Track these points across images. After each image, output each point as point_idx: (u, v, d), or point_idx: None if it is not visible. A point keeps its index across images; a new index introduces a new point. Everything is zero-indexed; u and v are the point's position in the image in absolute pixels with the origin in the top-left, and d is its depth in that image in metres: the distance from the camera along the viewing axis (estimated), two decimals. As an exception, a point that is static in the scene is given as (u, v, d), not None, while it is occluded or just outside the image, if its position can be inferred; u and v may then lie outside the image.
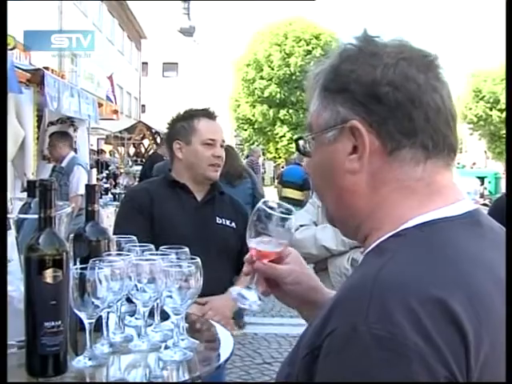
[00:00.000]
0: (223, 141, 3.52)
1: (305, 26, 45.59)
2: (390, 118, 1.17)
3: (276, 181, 18.59)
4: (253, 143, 44.99)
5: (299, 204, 13.97)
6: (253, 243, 1.56)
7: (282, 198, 14.38)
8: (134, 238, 2.37)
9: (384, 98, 1.17)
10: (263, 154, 33.11)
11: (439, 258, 1.06)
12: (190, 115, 3.50)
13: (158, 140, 23.87)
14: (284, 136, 46.38)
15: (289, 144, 45.48)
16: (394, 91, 1.16)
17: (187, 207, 3.41)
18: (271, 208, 1.54)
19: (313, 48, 44.45)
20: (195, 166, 3.42)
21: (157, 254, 2.13)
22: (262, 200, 1.57)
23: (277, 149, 46.64)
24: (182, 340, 2.03)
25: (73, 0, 26.54)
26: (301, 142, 1.35)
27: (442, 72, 1.24)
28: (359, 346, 0.94)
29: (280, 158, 45.87)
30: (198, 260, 2.01)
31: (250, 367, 6.59)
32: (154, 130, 25.22)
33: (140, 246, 2.26)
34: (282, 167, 37.77)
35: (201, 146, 3.40)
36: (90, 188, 2.20)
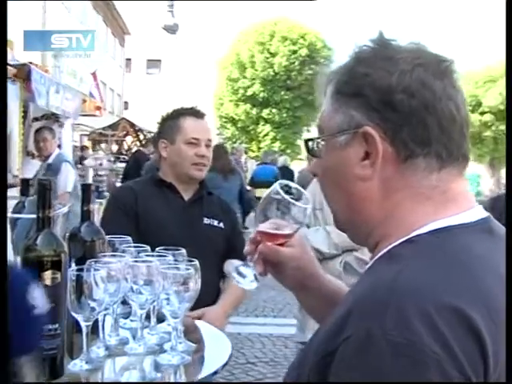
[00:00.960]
0: (209, 140, 3.47)
1: (290, 25, 45.51)
2: (405, 126, 1.15)
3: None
4: (235, 142, 44.86)
5: None
6: (262, 226, 1.52)
7: (256, 199, 14.51)
8: (129, 238, 2.33)
9: (399, 106, 1.15)
10: (245, 152, 33.06)
11: (455, 265, 1.05)
12: (178, 114, 3.47)
13: (141, 137, 23.81)
14: (267, 135, 46.30)
15: (272, 143, 45.44)
16: (409, 98, 1.15)
17: (174, 207, 3.36)
18: (287, 191, 1.50)
19: (299, 48, 44.39)
20: (178, 165, 3.38)
21: (153, 256, 2.10)
22: (278, 182, 1.53)
23: (259, 148, 46.51)
24: (180, 343, 2.00)
25: (58, -1, 26.33)
26: (310, 143, 1.32)
27: (458, 78, 1.22)
28: (375, 353, 0.94)
29: (262, 157, 45.81)
30: (197, 262, 1.98)
31: (233, 367, 6.55)
32: (137, 127, 25.15)
33: (135, 246, 2.23)
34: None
35: (184, 145, 3.36)
36: (85, 187, 2.16)
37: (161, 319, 2.12)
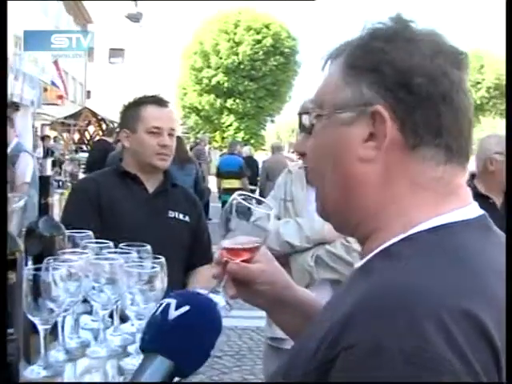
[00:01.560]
0: (172, 129, 3.36)
1: (255, 15, 45.50)
2: (418, 111, 1.09)
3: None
4: (199, 132, 44.72)
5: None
6: (225, 242, 1.45)
7: (222, 190, 14.64)
8: (90, 233, 2.21)
9: (416, 89, 1.08)
10: (209, 142, 32.96)
11: (459, 265, 1.00)
12: (139, 102, 3.36)
13: (104, 127, 23.59)
14: (231, 125, 46.32)
15: (236, 133, 45.43)
16: (428, 84, 1.08)
17: (137, 199, 3.26)
18: (246, 201, 1.44)
19: (263, 37, 44.39)
20: (140, 154, 3.27)
21: (116, 252, 1.99)
22: (237, 192, 1.46)
23: (223, 138, 46.46)
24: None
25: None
26: (304, 118, 1.23)
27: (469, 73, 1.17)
28: (386, 361, 0.88)
29: (226, 147, 45.68)
30: (163, 259, 1.87)
31: (198, 361, 6.46)
32: (99, 117, 24.93)
33: (97, 242, 2.11)
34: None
35: (146, 134, 3.25)
36: (44, 179, 2.02)
37: (124, 318, 2.00)
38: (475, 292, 0.96)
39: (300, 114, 1.22)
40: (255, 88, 45.29)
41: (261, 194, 16.42)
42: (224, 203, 14.84)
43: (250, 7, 46.63)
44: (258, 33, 44.65)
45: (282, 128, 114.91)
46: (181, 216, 3.35)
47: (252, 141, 43.50)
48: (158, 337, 1.11)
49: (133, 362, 1.81)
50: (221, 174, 15.43)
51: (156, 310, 1.14)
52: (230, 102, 45.82)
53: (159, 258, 1.87)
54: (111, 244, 2.09)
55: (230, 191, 14.39)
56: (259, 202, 1.46)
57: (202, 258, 3.37)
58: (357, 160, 1.12)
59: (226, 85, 45.22)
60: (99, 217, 3.10)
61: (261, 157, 25.28)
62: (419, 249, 1.04)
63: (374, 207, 1.14)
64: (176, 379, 1.11)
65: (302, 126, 1.20)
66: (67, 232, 2.08)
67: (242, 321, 7.78)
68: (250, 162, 16.69)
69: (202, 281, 3.20)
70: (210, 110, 46.67)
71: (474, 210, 1.13)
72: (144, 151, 3.25)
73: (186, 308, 1.11)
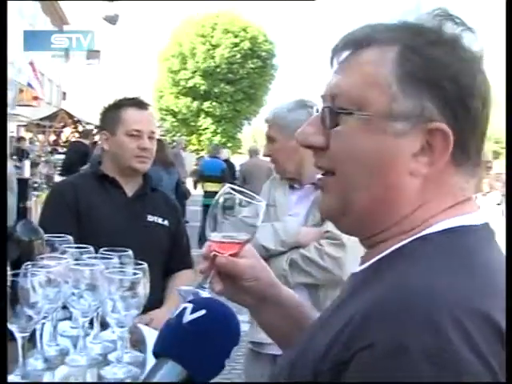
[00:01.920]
0: (152, 132, 3.31)
1: (232, 18, 45.45)
2: (471, 133, 1.09)
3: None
4: (175, 134, 44.53)
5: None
6: (214, 235, 1.41)
7: (204, 193, 14.70)
8: (70, 237, 2.15)
9: (472, 110, 1.07)
10: (185, 146, 32.82)
11: (472, 266, 1.01)
12: (119, 104, 3.31)
13: (80, 128, 23.42)
14: (207, 128, 46.22)
15: (212, 136, 45.36)
16: (482, 107, 1.09)
17: (116, 203, 3.21)
18: (236, 194, 1.40)
19: (240, 40, 44.38)
20: (120, 157, 3.22)
21: (96, 258, 1.93)
22: (228, 185, 1.42)
23: (200, 141, 46.37)
24: (126, 353, 1.83)
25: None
26: (330, 115, 1.14)
27: None
28: (407, 362, 0.87)
29: (203, 150, 45.54)
30: (145, 265, 1.81)
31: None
32: (75, 119, 24.75)
33: (77, 247, 2.05)
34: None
35: (126, 136, 3.20)
36: (22, 182, 1.97)
37: (104, 325, 1.95)
38: (488, 292, 0.96)
39: (324, 108, 1.13)
40: (232, 91, 45.29)
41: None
42: (206, 206, 14.82)
43: (228, 10, 46.58)
44: (235, 36, 44.62)
45: (258, 131, 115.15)
46: (160, 220, 3.30)
47: (229, 144, 43.40)
48: (171, 341, 1.08)
49: (114, 370, 1.76)
50: (203, 177, 15.41)
51: (172, 314, 1.11)
52: (206, 105, 45.73)
53: (141, 264, 1.82)
54: (91, 249, 2.04)
55: (212, 194, 14.64)
56: (250, 197, 1.41)
57: (181, 263, 3.34)
58: (407, 173, 1.09)
59: (202, 88, 45.12)
60: (77, 222, 3.04)
61: (238, 160, 25.25)
62: (432, 250, 1.04)
63: (405, 215, 1.11)
64: None
65: (323, 121, 1.11)
66: (46, 236, 2.02)
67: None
68: (228, 165, 16.65)
69: (181, 285, 3.15)
70: (186, 112, 46.53)
71: (481, 217, 1.13)
72: (124, 154, 3.20)
73: (201, 312, 1.09)
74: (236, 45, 44.30)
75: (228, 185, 1.42)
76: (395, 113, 1.07)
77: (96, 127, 4.16)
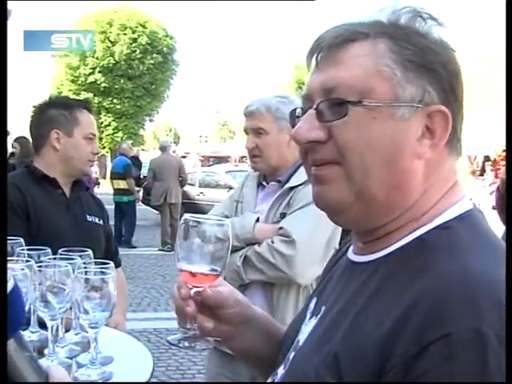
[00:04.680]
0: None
1: (130, 13, 44.83)
2: (459, 115, 1.16)
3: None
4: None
5: (129, 193, 14.42)
6: (189, 266, 1.35)
7: (114, 190, 14.68)
8: (21, 240, 2.09)
9: (458, 93, 1.16)
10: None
11: (497, 248, 1.07)
12: (71, 105, 3.24)
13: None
14: (109, 125, 45.49)
15: (114, 133, 44.73)
16: (462, 90, 1.17)
17: (59, 204, 3.15)
18: (196, 221, 1.36)
19: (139, 36, 43.83)
20: (74, 160, 3.16)
21: (55, 259, 1.89)
22: (188, 214, 1.37)
23: (101, 138, 45.61)
24: (99, 353, 1.80)
25: None
26: (335, 106, 1.14)
27: None
28: (489, 350, 0.89)
29: (104, 147, 44.87)
30: (112, 264, 1.78)
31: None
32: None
33: (32, 249, 1.99)
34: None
35: (83, 139, 3.17)
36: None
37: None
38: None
39: (339, 102, 1.12)
40: (132, 87, 44.69)
41: (148, 194, 16.27)
42: (116, 204, 14.66)
43: (125, 6, 45.84)
44: (133, 32, 44.03)
45: (159, 127, 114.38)
46: (96, 220, 3.31)
47: (131, 141, 42.91)
48: None
49: (88, 372, 1.72)
50: (111, 175, 15.40)
51: None
52: (107, 102, 45.00)
53: (108, 263, 1.79)
54: (49, 250, 1.99)
55: (119, 192, 14.78)
56: (207, 218, 1.40)
57: (114, 261, 3.29)
58: (414, 157, 1.12)
59: (103, 84, 44.39)
60: (26, 225, 2.94)
61: (142, 156, 25.09)
62: (462, 238, 1.07)
63: (414, 201, 1.14)
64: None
65: (321, 113, 1.11)
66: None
67: (139, 323, 7.69)
68: (135, 161, 16.50)
69: (120, 284, 3.13)
70: (87, 109, 45.64)
71: (469, 200, 1.19)
72: (80, 157, 3.16)
73: None
74: (134, 40, 43.72)
75: (188, 214, 1.37)
76: (401, 98, 1.11)
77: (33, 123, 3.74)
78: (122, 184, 14.74)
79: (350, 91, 1.13)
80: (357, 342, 1.04)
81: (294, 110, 1.30)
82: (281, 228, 2.88)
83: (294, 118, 1.28)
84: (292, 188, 2.95)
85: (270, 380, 1.32)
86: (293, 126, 1.23)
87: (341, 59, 1.16)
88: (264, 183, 3.17)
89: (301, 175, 2.89)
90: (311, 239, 2.83)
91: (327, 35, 1.18)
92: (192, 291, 1.35)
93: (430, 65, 1.12)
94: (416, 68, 1.12)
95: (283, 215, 2.92)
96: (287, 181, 2.99)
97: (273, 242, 2.88)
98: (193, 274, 1.34)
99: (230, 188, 16.45)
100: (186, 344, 1.37)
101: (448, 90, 1.13)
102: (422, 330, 0.93)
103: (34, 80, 45.50)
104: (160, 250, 14.50)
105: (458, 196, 1.16)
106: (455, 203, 1.14)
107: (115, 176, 15.02)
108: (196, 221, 1.35)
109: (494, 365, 0.88)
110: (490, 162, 25.35)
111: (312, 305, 1.36)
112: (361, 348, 1.02)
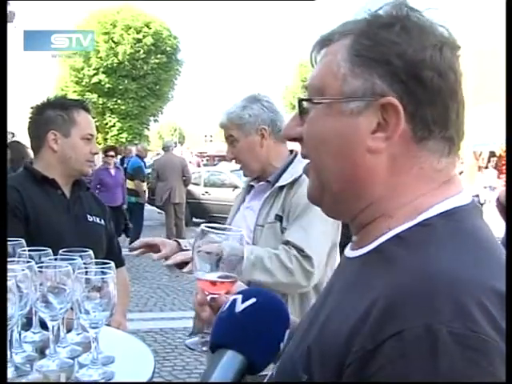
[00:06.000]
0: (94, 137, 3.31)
1: (134, 14, 44.84)
2: (428, 105, 1.11)
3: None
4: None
5: (137, 194, 14.44)
6: (205, 275, 1.42)
7: (128, 190, 14.79)
8: (23, 241, 2.09)
9: (427, 82, 1.10)
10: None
11: (479, 247, 1.05)
12: (68, 105, 3.24)
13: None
14: (114, 126, 45.53)
15: (119, 134, 44.77)
16: (438, 78, 1.11)
17: (59, 205, 3.16)
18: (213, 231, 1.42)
19: (143, 36, 43.85)
20: (72, 160, 3.17)
21: (56, 259, 1.89)
22: (203, 224, 1.45)
23: (106, 139, 45.65)
24: (100, 354, 1.80)
25: None
26: (305, 104, 1.21)
27: None
28: (440, 347, 0.88)
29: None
30: (112, 264, 1.79)
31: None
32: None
33: (33, 250, 1.99)
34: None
35: (81, 140, 3.17)
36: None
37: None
38: (495, 268, 1.00)
39: (300, 100, 1.19)
40: (137, 87, 44.71)
41: (152, 195, 16.29)
42: (128, 204, 14.66)
43: (129, 6, 45.86)
44: (137, 32, 44.04)
45: (164, 127, 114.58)
46: (97, 220, 3.31)
47: (136, 141, 42.90)
48: (228, 331, 1.09)
49: (89, 372, 1.72)
50: (126, 175, 15.48)
51: (222, 308, 1.13)
52: (111, 102, 45.02)
53: (109, 263, 1.79)
54: (49, 251, 1.99)
55: (128, 192, 14.69)
56: (223, 228, 1.45)
57: (116, 261, 3.30)
58: (366, 151, 1.12)
59: (107, 85, 44.41)
60: (25, 227, 2.94)
61: (148, 157, 25.15)
62: (439, 235, 1.06)
63: (379, 195, 1.15)
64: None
65: (301, 112, 1.18)
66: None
67: (146, 323, 7.70)
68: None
69: (122, 284, 3.14)
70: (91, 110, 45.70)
71: (467, 195, 1.17)
72: (78, 157, 3.16)
73: (252, 300, 1.11)
74: (139, 40, 43.72)
75: (202, 225, 1.44)
76: (347, 93, 1.13)
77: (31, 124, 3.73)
78: (131, 184, 14.83)
79: (314, 90, 1.20)
80: (325, 337, 1.06)
81: None
82: (287, 242, 2.80)
83: None
84: (282, 187, 2.94)
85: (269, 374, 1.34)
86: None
87: (318, 59, 1.23)
88: (252, 183, 3.20)
89: (289, 174, 2.92)
90: (322, 253, 2.82)
91: (320, 37, 1.23)
92: (208, 297, 1.41)
93: (381, 57, 1.11)
94: (363, 62, 1.13)
95: (279, 217, 2.89)
96: (277, 180, 2.98)
97: (290, 248, 2.79)
98: (210, 283, 1.41)
99: (236, 187, 16.47)
100: (204, 348, 1.43)
101: (408, 80, 1.10)
102: (379, 326, 0.94)
103: (36, 81, 45.53)
104: (165, 249, 14.44)
105: (451, 193, 1.15)
106: (443, 200, 1.12)
107: (127, 176, 15.06)
108: (211, 231, 1.41)
109: (445, 362, 0.88)
110: (495, 158, 25.36)
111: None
112: (327, 343, 1.04)
